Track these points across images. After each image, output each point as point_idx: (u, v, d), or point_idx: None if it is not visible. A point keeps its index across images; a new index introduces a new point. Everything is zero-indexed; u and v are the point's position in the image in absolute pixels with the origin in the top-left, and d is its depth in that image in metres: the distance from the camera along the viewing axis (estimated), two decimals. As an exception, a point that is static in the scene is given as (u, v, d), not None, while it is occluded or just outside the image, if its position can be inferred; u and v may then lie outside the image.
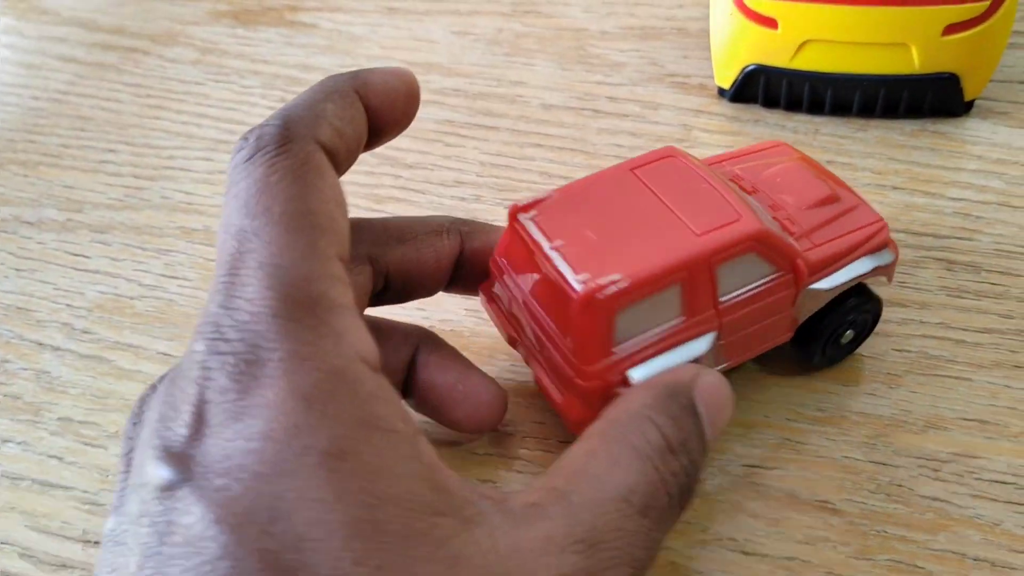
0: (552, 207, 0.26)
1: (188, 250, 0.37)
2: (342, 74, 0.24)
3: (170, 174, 0.41)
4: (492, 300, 0.28)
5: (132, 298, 0.35)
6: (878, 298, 0.29)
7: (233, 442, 0.18)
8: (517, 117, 0.41)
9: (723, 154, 0.31)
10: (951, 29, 0.35)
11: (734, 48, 0.39)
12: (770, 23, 0.37)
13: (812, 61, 0.37)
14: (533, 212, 0.26)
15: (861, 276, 0.28)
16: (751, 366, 0.30)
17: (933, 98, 0.38)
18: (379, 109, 0.24)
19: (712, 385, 0.23)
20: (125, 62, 0.48)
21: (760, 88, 0.39)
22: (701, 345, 0.26)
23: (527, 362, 0.27)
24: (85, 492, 0.29)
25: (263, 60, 0.46)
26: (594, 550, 0.19)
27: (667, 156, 0.27)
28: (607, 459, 0.21)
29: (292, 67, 0.46)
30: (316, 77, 0.45)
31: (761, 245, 0.25)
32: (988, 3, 0.35)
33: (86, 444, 0.30)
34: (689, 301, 0.25)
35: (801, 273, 0.26)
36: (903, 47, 0.36)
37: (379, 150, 0.40)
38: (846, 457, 0.28)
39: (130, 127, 0.43)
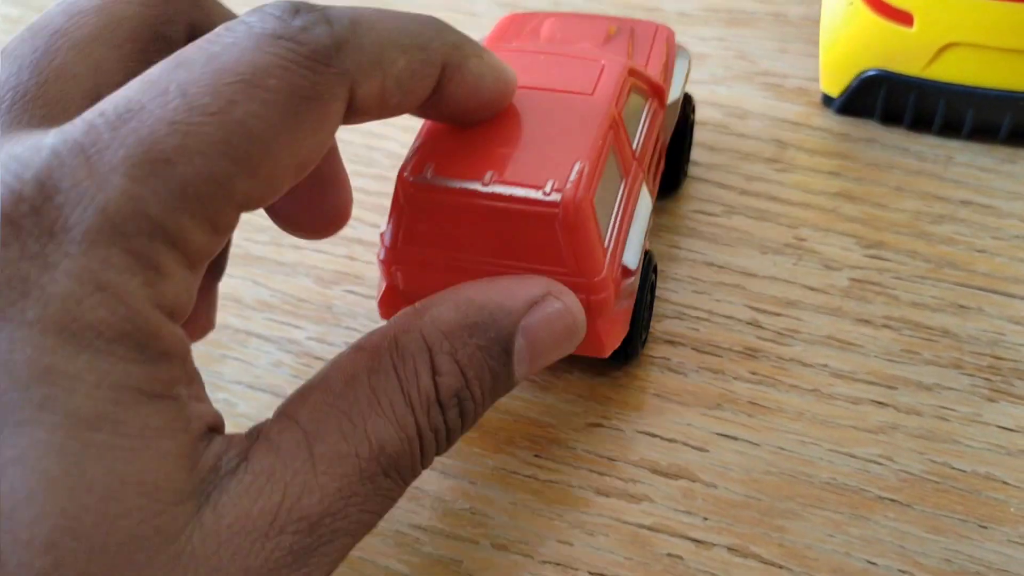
0: (436, 151, 0.22)
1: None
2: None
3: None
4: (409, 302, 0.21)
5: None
6: (689, 95, 0.29)
7: None
8: (568, 116, 0.34)
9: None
10: None
11: (851, 47, 0.30)
12: (903, 18, 0.29)
13: (953, 70, 0.29)
14: (428, 167, 0.21)
15: (686, 75, 0.28)
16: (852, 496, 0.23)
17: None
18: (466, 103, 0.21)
19: (552, 315, 0.20)
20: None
21: (879, 100, 0.31)
22: (646, 199, 0.25)
23: None
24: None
25: None
26: (317, 526, 0.17)
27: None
28: (367, 397, 0.18)
29: None
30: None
31: (635, 77, 0.24)
32: None
33: None
34: (622, 160, 0.23)
35: (663, 92, 0.26)
36: (1081, 60, 0.28)
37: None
38: (983, 638, 0.20)
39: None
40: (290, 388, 0.22)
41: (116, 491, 0.15)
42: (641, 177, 0.24)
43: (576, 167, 0.21)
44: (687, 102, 0.29)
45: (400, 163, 0.20)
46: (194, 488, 0.16)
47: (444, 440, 0.19)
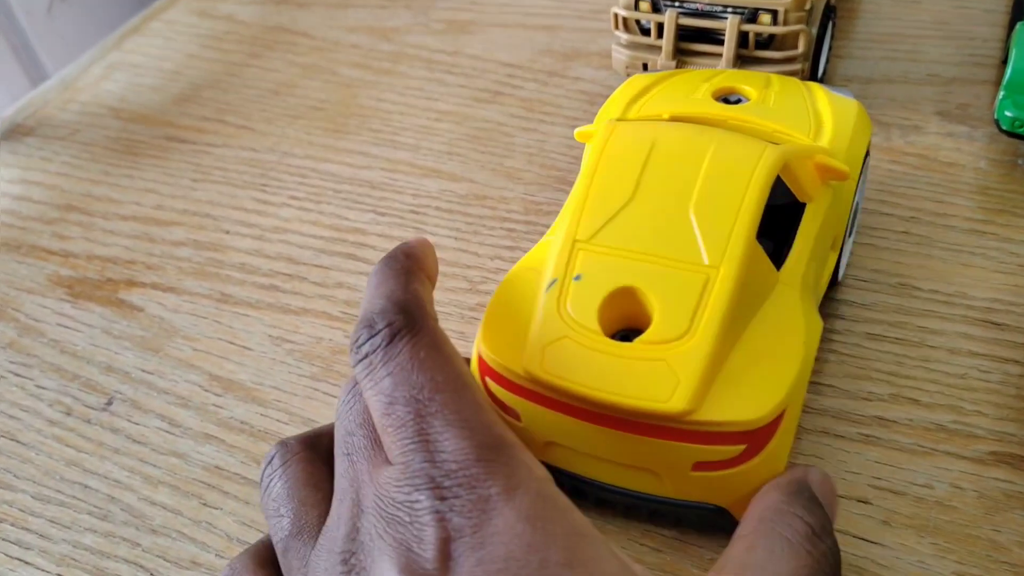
0: None
1: None
2: (395, 260, 0.29)
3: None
4: None
5: None
6: None
7: (481, 566, 0.22)
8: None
9: None
10: (701, 467, 0.29)
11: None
12: (512, 414, 0.32)
13: (562, 461, 0.32)
14: None
15: None
16: None
17: (698, 520, 0.32)
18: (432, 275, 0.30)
19: (822, 478, 0.29)
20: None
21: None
22: None
23: None
24: None
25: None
26: None
27: None
28: (765, 551, 0.25)
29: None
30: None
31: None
32: (742, 448, 0.29)
33: None
34: None
35: None
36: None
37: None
38: None
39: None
40: None
41: None
42: None
43: None
44: None
45: None
46: None
47: (835, 566, 0.26)
